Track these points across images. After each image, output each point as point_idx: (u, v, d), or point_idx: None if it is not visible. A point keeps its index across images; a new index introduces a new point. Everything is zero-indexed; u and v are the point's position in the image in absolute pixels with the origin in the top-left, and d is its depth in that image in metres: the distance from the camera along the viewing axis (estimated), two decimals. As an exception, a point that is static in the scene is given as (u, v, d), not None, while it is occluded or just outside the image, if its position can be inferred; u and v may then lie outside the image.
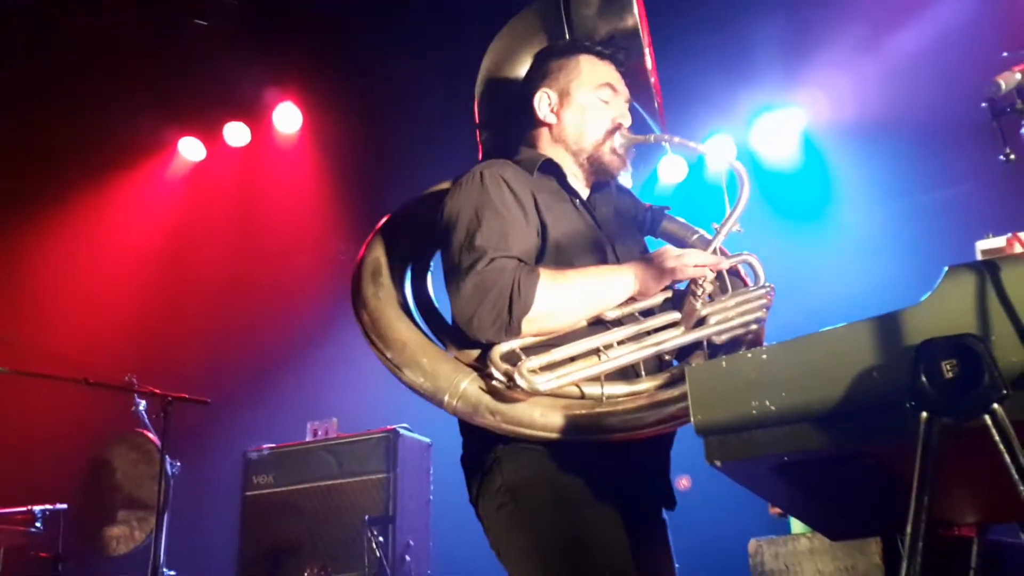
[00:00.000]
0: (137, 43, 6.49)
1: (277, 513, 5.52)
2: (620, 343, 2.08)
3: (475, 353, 2.10)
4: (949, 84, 5.54)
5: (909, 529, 1.46)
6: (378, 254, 2.34)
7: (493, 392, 2.03)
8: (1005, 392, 1.41)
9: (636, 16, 2.45)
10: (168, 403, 4.76)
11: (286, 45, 6.73)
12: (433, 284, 2.45)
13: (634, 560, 2.05)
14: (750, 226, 2.31)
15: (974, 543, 2.55)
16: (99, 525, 5.46)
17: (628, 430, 2.04)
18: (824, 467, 1.65)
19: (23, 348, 4.69)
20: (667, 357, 2.18)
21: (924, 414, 1.45)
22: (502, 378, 2.01)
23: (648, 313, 2.17)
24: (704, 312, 2.14)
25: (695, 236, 2.48)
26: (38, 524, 5.30)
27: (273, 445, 5.75)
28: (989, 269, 1.49)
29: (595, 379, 2.05)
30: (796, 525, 3.68)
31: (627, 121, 2.41)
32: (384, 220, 2.44)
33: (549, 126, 2.42)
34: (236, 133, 7.41)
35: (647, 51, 2.47)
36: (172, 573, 4.93)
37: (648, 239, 2.54)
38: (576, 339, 2.08)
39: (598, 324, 2.13)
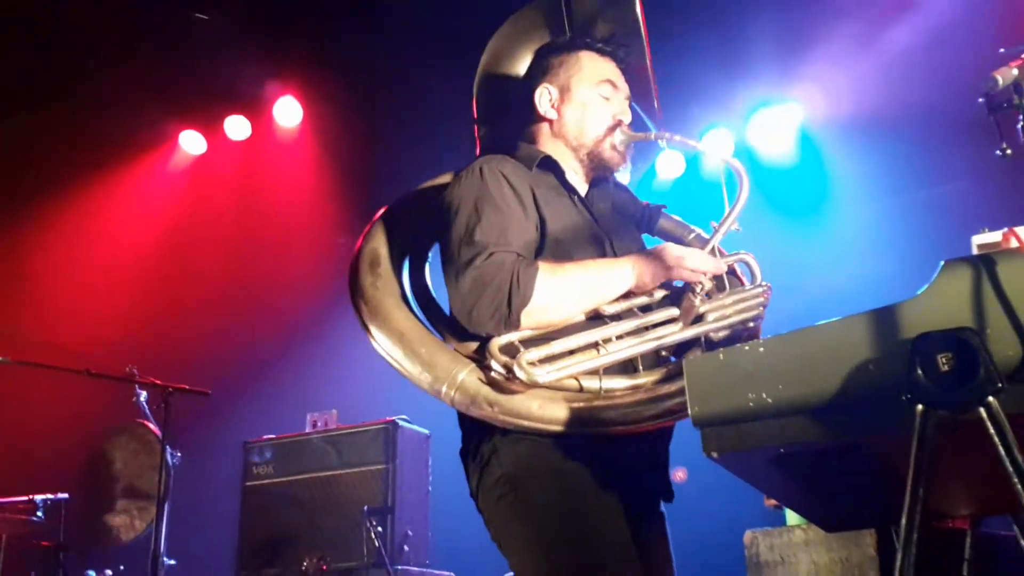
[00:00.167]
0: (139, 37, 6.48)
1: (277, 503, 5.53)
2: (619, 337, 2.07)
3: (473, 345, 2.10)
4: (945, 79, 5.55)
5: (904, 521, 1.46)
6: (376, 245, 2.32)
7: (491, 383, 2.03)
8: (1000, 385, 1.41)
9: (637, 14, 2.44)
10: (169, 394, 4.77)
11: (287, 39, 6.72)
12: (431, 275, 2.44)
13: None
14: (747, 221, 2.30)
15: (968, 535, 2.55)
16: (100, 514, 5.48)
17: (626, 424, 2.03)
18: (820, 459, 1.65)
19: (26, 339, 4.69)
20: (664, 353, 2.18)
21: (920, 407, 1.45)
22: (501, 370, 2.01)
23: (646, 309, 2.16)
24: (702, 309, 2.13)
25: (692, 234, 2.48)
26: (40, 513, 5.30)
27: (273, 436, 5.76)
28: (985, 263, 1.49)
29: (593, 372, 2.05)
30: (791, 517, 3.69)
31: (627, 118, 2.40)
32: (382, 211, 2.42)
33: (550, 122, 2.41)
34: (237, 127, 7.41)
35: (647, 49, 2.46)
36: (172, 562, 4.94)
37: (645, 237, 2.53)
38: (575, 332, 2.07)
39: (596, 319, 2.12)
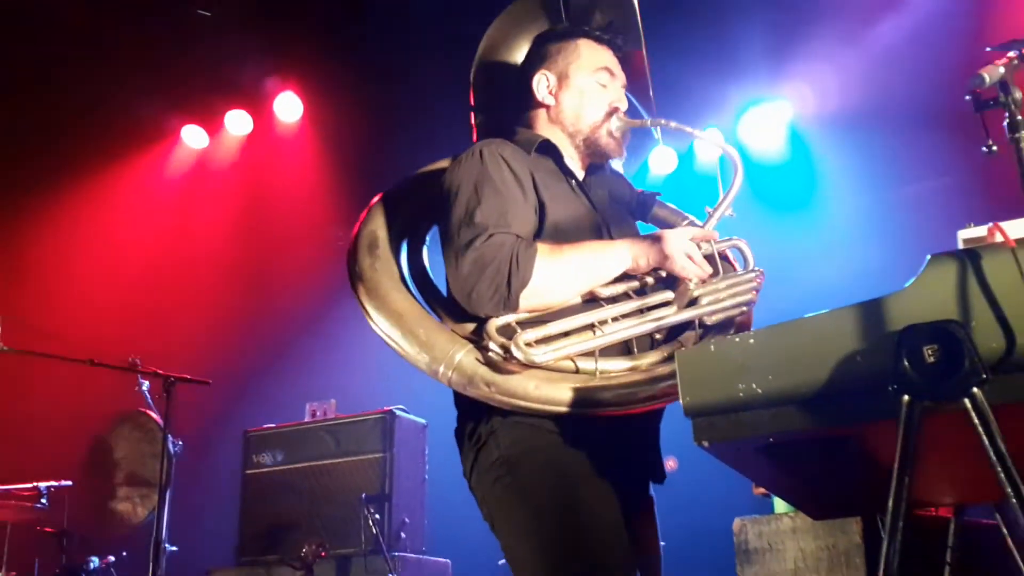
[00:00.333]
0: (143, 33, 6.47)
1: (276, 491, 5.53)
2: (615, 319, 2.07)
3: (470, 326, 2.09)
4: (931, 77, 5.55)
5: (890, 509, 1.46)
6: (375, 227, 2.30)
7: (489, 364, 2.01)
8: (985, 377, 1.41)
9: (634, 3, 2.44)
10: (170, 384, 4.75)
11: (287, 35, 6.70)
12: (429, 258, 2.42)
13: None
14: (738, 216, 2.30)
15: (951, 523, 2.56)
16: (103, 501, 5.47)
17: (621, 405, 2.03)
18: (808, 448, 1.65)
19: (30, 329, 4.68)
20: (658, 336, 2.17)
21: (906, 397, 1.45)
22: (499, 350, 2.00)
23: (641, 292, 2.16)
24: (696, 293, 2.13)
25: (685, 221, 2.47)
26: (44, 500, 5.30)
27: (273, 425, 5.76)
28: (970, 257, 1.49)
29: (589, 354, 2.04)
30: (779, 505, 3.69)
31: (624, 105, 2.39)
32: (380, 195, 2.40)
33: (547, 107, 2.40)
34: (238, 121, 7.39)
35: (643, 40, 2.46)
36: (174, 548, 4.93)
37: (639, 224, 2.53)
38: (571, 315, 2.06)
39: (591, 301, 2.12)
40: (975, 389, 1.41)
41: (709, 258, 2.19)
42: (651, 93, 2.51)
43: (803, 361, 1.54)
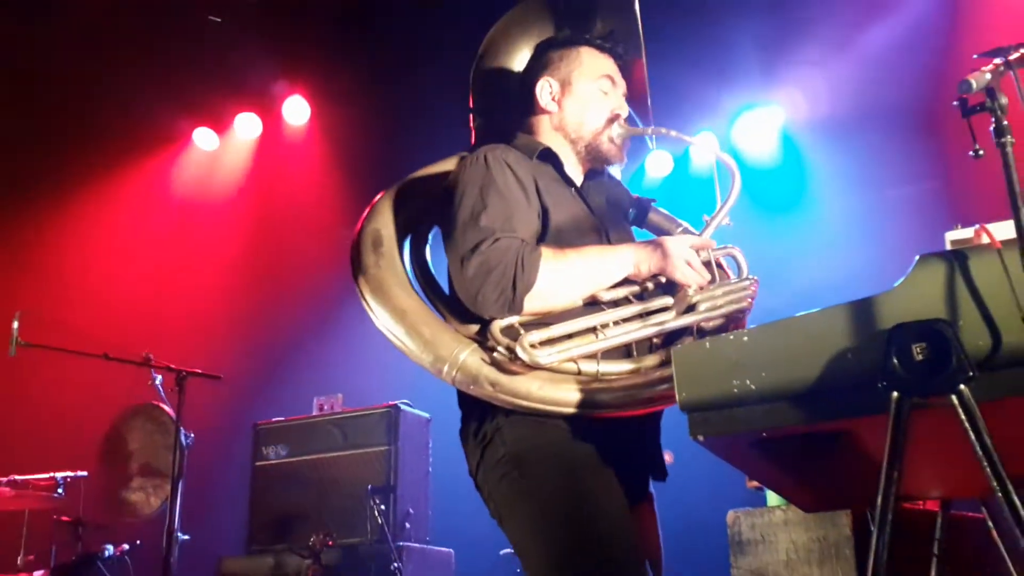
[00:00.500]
0: (158, 40, 6.48)
1: (285, 482, 5.53)
2: (616, 323, 2.06)
3: (474, 326, 2.07)
4: (919, 83, 5.55)
5: (879, 502, 1.46)
6: (378, 225, 2.28)
7: (493, 364, 2.00)
8: (972, 374, 1.41)
9: (635, 13, 2.42)
10: (183, 378, 4.75)
11: (295, 41, 6.71)
12: (430, 257, 2.41)
13: None
14: (732, 217, 2.29)
15: (939, 517, 2.55)
16: (117, 491, 5.47)
17: (621, 406, 2.02)
18: (799, 443, 1.65)
19: (47, 324, 4.68)
20: (656, 340, 2.17)
21: (895, 394, 1.45)
22: (504, 351, 1.99)
23: (640, 296, 2.15)
24: (695, 299, 2.12)
25: (679, 228, 2.46)
26: (60, 490, 5.30)
27: (282, 419, 5.75)
28: (958, 258, 1.49)
29: (591, 356, 2.03)
30: (772, 498, 3.68)
31: (625, 112, 2.38)
32: (382, 194, 2.38)
33: (550, 114, 2.39)
34: (248, 124, 7.39)
35: (643, 48, 2.44)
36: (186, 537, 4.93)
37: (635, 230, 2.52)
38: (573, 318, 2.05)
39: (593, 304, 2.11)
40: (962, 386, 1.41)
41: (707, 265, 2.18)
42: (649, 102, 2.49)
43: (795, 358, 1.54)
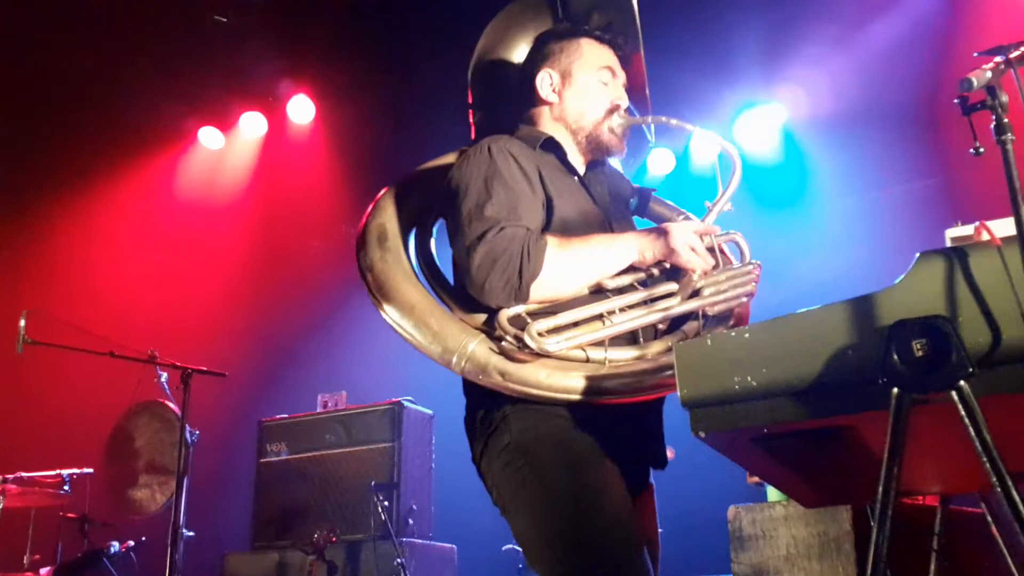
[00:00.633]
0: (163, 41, 6.48)
1: (289, 479, 5.54)
2: (622, 310, 2.05)
3: (481, 317, 2.07)
4: (919, 81, 5.54)
5: (879, 498, 1.46)
6: (383, 220, 2.28)
7: (502, 353, 2.00)
8: (971, 370, 1.41)
9: (633, 5, 2.42)
10: (188, 375, 4.76)
11: (300, 41, 6.71)
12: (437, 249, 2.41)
13: None
14: (734, 215, 2.29)
15: (938, 512, 2.55)
16: (123, 488, 5.47)
17: (628, 393, 2.02)
18: (800, 439, 1.64)
19: (54, 322, 4.69)
20: (661, 326, 2.16)
21: (895, 390, 1.45)
22: (512, 340, 1.99)
23: (644, 283, 2.15)
24: (699, 284, 2.12)
25: (680, 216, 2.46)
26: (67, 487, 5.31)
27: (286, 416, 5.76)
28: (958, 255, 1.49)
29: (599, 343, 2.03)
30: (772, 493, 3.68)
31: (625, 103, 2.38)
32: (386, 189, 2.38)
33: (550, 105, 2.38)
34: (253, 123, 7.40)
35: (641, 40, 2.44)
36: (191, 533, 4.94)
37: (637, 219, 2.51)
38: (579, 305, 2.05)
39: (599, 292, 2.11)
40: (962, 382, 1.41)
41: (710, 251, 2.17)
42: (647, 92, 2.49)
43: (796, 355, 1.54)
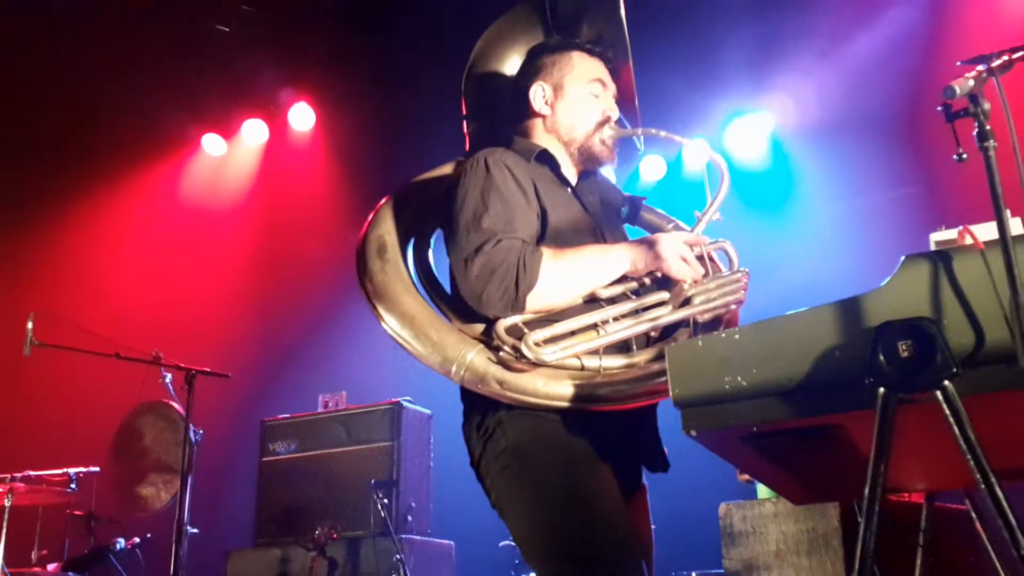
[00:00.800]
0: (167, 50, 6.48)
1: (291, 477, 5.52)
2: (615, 319, 2.06)
3: (479, 327, 2.08)
4: (904, 89, 5.55)
5: (866, 495, 1.46)
6: (382, 231, 2.29)
7: (499, 363, 2.01)
8: (955, 370, 1.41)
9: (622, 17, 2.42)
10: (192, 376, 4.75)
11: (301, 50, 6.72)
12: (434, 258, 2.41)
13: None
14: (724, 220, 2.29)
15: (923, 508, 2.56)
16: (129, 486, 5.46)
17: (622, 400, 2.03)
18: (789, 437, 1.65)
19: (61, 325, 4.68)
20: (653, 333, 2.17)
21: (881, 390, 1.45)
22: (509, 350, 2.00)
23: (638, 292, 2.16)
24: (690, 293, 2.13)
25: (671, 225, 2.46)
26: (73, 485, 5.29)
27: (288, 416, 5.75)
28: (942, 259, 1.49)
29: (594, 352, 2.04)
30: (762, 490, 3.69)
31: (615, 114, 2.38)
32: (385, 200, 2.38)
33: (543, 117, 2.39)
34: (255, 130, 7.40)
35: (630, 52, 2.44)
36: (195, 531, 4.93)
37: (628, 228, 2.52)
38: (574, 315, 2.06)
39: (593, 302, 2.12)
40: (946, 382, 1.41)
41: (700, 260, 2.18)
42: (637, 103, 2.49)
43: (785, 355, 1.54)
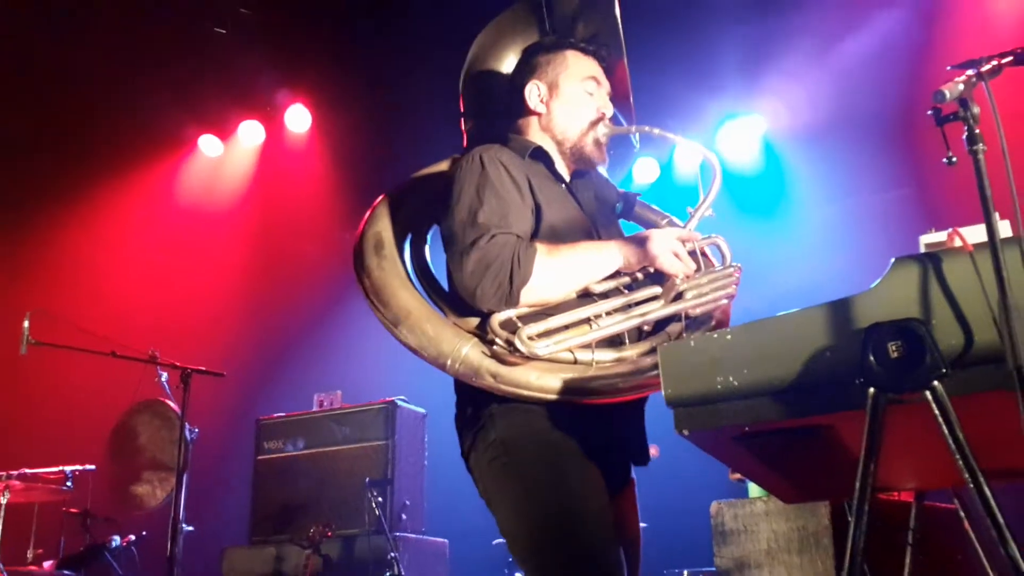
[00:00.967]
0: (165, 51, 6.47)
1: (286, 476, 5.52)
2: (608, 314, 2.07)
3: (474, 321, 2.09)
4: (894, 93, 5.57)
5: (856, 494, 1.46)
6: (379, 228, 2.29)
7: (494, 356, 2.02)
8: (944, 371, 1.41)
9: (616, 16, 2.42)
10: (187, 375, 4.74)
11: (297, 52, 6.71)
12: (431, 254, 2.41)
13: None
14: (715, 222, 2.30)
15: (913, 507, 2.56)
16: (125, 484, 5.45)
17: (614, 393, 2.04)
18: (780, 437, 1.65)
19: (57, 324, 4.66)
20: (646, 327, 2.18)
21: (871, 390, 1.45)
22: (503, 344, 2.00)
23: (629, 287, 2.16)
24: (682, 288, 2.13)
25: (665, 221, 2.46)
26: (69, 483, 5.28)
27: (283, 414, 5.74)
28: (932, 260, 1.49)
29: (587, 346, 2.04)
30: (754, 489, 3.69)
31: (609, 112, 2.39)
32: (382, 197, 2.39)
33: (538, 115, 2.39)
34: (251, 131, 7.39)
35: (625, 50, 2.44)
36: (190, 528, 4.92)
37: (622, 223, 2.52)
38: (567, 310, 2.06)
39: (586, 296, 2.12)
40: (936, 382, 1.41)
41: (691, 255, 2.19)
42: (631, 101, 2.50)
43: (776, 356, 1.54)
